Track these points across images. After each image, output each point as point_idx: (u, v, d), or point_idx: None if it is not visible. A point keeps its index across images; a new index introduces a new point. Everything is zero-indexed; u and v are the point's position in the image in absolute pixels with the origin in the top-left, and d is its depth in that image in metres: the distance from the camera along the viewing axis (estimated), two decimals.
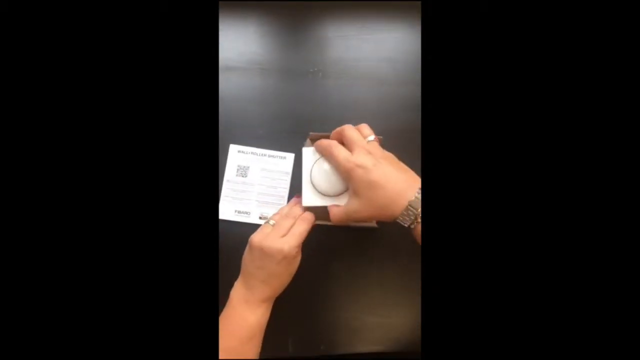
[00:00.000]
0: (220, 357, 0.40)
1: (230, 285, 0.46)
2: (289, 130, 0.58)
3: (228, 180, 0.56)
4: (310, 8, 0.62)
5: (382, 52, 0.61)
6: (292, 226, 0.44)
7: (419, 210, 0.37)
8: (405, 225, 0.39)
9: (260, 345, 0.45)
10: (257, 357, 0.44)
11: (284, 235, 0.43)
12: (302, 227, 0.44)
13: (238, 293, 0.45)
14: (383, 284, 0.54)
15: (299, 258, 0.45)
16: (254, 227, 0.55)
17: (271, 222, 0.46)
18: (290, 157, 0.57)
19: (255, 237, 0.44)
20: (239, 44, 0.60)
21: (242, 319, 0.43)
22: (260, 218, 0.55)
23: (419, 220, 0.37)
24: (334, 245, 0.52)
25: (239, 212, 0.56)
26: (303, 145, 0.46)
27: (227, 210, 0.56)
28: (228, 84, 0.59)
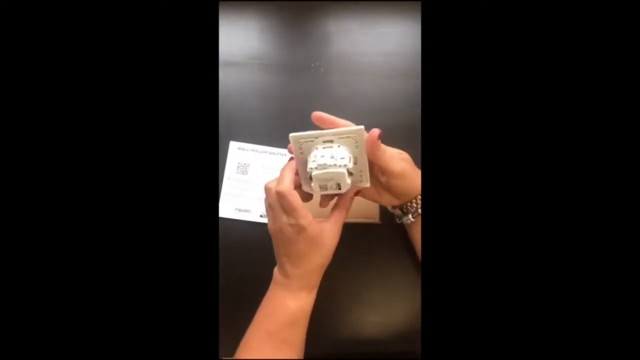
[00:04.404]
0: (261, 339, 0.42)
1: (231, 284, 0.45)
2: (290, 127, 0.57)
3: (228, 178, 0.56)
4: (311, 2, 0.61)
5: (384, 46, 0.60)
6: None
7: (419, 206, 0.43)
8: (398, 221, 0.46)
9: (305, 331, 0.44)
10: (301, 343, 0.43)
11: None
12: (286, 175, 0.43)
13: (277, 275, 0.43)
14: (384, 284, 0.54)
15: (322, 231, 0.41)
16: (255, 225, 0.54)
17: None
18: None
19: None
20: (239, 39, 0.60)
21: (282, 303, 0.42)
22: (260, 216, 0.55)
23: (413, 218, 0.44)
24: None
25: (240, 209, 0.55)
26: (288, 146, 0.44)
27: (228, 208, 0.55)
28: (228, 80, 0.58)
